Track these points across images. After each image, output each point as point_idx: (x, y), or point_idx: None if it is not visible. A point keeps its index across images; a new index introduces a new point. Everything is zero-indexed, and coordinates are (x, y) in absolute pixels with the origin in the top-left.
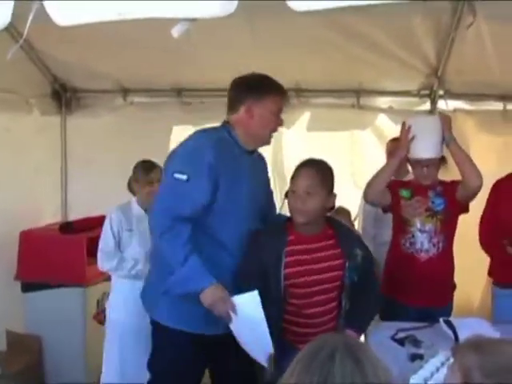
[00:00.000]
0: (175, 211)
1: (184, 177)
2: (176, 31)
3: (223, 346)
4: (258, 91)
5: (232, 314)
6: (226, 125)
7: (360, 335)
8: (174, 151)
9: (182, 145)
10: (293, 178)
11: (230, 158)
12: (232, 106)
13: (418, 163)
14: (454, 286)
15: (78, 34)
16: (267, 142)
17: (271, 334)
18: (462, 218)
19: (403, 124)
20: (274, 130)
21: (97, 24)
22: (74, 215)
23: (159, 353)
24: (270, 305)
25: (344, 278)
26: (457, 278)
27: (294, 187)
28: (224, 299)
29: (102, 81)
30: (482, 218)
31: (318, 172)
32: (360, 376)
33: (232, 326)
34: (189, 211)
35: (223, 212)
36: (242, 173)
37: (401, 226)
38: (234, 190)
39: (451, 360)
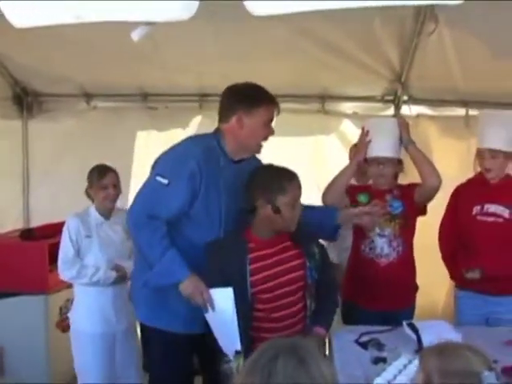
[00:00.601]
0: (151, 212)
1: (165, 181)
2: (136, 35)
3: (208, 345)
4: (249, 102)
5: (208, 305)
6: (216, 133)
7: (327, 331)
8: (164, 153)
9: (172, 149)
10: (286, 190)
11: (214, 168)
12: (223, 116)
13: (374, 162)
14: (416, 288)
15: (40, 37)
16: (257, 151)
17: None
18: (424, 221)
19: (362, 127)
20: (264, 139)
21: (59, 27)
22: (36, 221)
23: (147, 352)
24: (238, 313)
25: (306, 277)
26: (421, 281)
27: (293, 200)
28: (201, 290)
29: (64, 85)
30: (442, 223)
31: None
32: (305, 376)
33: (207, 316)
34: (164, 215)
35: (198, 219)
36: (223, 183)
37: (360, 232)
38: (212, 199)
39: (414, 362)
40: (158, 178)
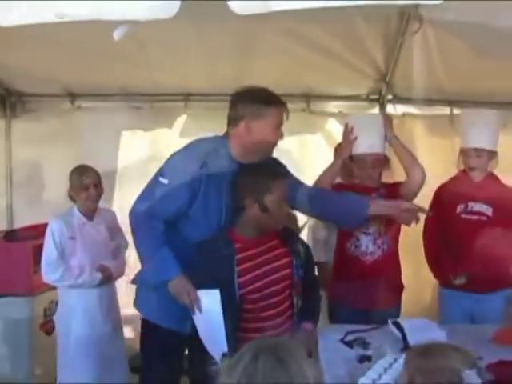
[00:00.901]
0: (150, 210)
1: (166, 181)
2: (117, 34)
3: (196, 346)
4: (257, 108)
5: (195, 306)
6: (225, 136)
7: (315, 326)
8: (172, 154)
9: (179, 151)
10: (273, 189)
11: (218, 172)
12: (232, 121)
13: (360, 160)
14: (401, 288)
15: (24, 37)
16: (268, 154)
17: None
18: None
19: (346, 124)
20: (274, 143)
21: (43, 26)
22: (20, 222)
23: (141, 347)
24: (225, 316)
25: (293, 275)
26: (406, 279)
27: (280, 199)
28: (188, 290)
29: (48, 85)
30: (426, 222)
31: None
32: (285, 376)
33: (195, 318)
34: (163, 214)
35: (196, 219)
36: (225, 187)
37: (345, 230)
38: (212, 201)
39: (399, 361)
40: (160, 178)
